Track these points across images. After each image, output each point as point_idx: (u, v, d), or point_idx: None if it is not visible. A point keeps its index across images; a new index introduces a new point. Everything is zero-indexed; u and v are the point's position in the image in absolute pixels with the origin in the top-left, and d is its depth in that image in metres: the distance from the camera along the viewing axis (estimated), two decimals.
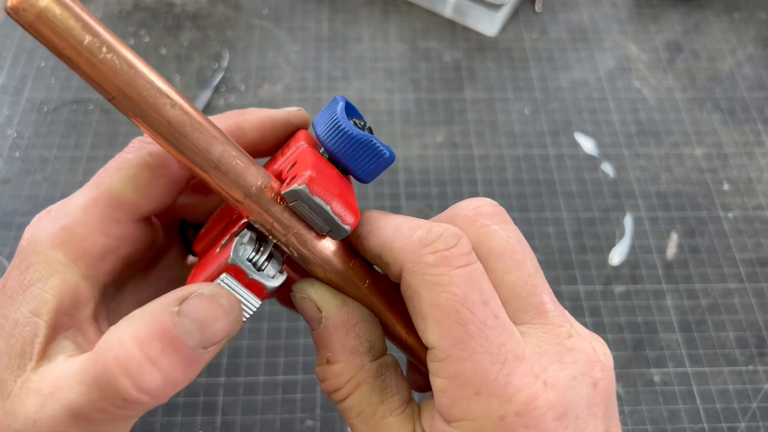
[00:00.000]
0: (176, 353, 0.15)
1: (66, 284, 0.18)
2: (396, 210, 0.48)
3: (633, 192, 0.50)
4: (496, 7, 0.57)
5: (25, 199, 0.48)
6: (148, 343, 0.15)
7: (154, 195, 0.20)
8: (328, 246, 0.20)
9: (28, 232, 0.19)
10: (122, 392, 0.15)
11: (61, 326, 0.18)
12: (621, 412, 0.41)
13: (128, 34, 0.58)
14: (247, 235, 0.19)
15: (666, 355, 0.43)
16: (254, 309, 0.18)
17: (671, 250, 0.48)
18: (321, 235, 0.19)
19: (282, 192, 0.18)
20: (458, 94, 0.56)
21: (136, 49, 0.57)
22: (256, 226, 0.19)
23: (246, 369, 0.41)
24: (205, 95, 0.54)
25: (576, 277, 0.46)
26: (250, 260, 0.18)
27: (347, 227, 0.18)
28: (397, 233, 0.18)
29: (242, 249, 0.18)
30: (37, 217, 0.19)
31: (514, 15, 0.62)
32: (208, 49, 0.58)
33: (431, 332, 0.17)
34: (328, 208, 0.18)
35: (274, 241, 0.19)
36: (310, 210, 0.18)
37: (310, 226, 0.19)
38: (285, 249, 0.19)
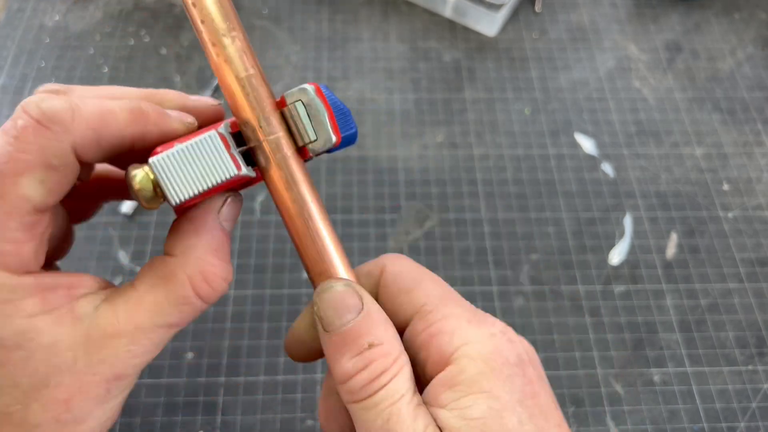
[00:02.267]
0: (228, 245, 0.20)
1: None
2: (396, 209, 0.48)
3: (633, 192, 0.50)
4: (496, 7, 0.57)
5: None
6: (221, 252, 0.20)
7: (62, 191, 0.18)
8: (298, 163, 0.20)
9: None
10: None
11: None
12: (621, 412, 0.41)
13: (128, 35, 0.58)
14: (228, 127, 0.20)
15: (666, 354, 0.43)
16: (229, 175, 0.19)
17: (671, 250, 0.48)
18: (298, 150, 0.20)
19: (287, 93, 0.20)
20: (458, 94, 0.56)
21: (137, 50, 0.57)
22: (241, 126, 0.20)
23: (246, 369, 0.41)
24: (205, 96, 0.54)
25: (576, 277, 0.46)
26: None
27: (334, 137, 0.20)
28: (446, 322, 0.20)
29: (226, 131, 0.19)
30: None
31: (514, 15, 0.62)
32: None
33: None
34: (326, 112, 0.19)
35: (250, 145, 0.20)
36: (305, 113, 0.20)
37: (292, 137, 0.20)
38: (259, 153, 0.20)
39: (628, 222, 0.49)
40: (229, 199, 0.20)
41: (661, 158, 0.52)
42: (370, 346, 0.19)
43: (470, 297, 0.44)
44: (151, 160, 0.18)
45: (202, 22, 0.19)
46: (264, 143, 0.20)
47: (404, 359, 0.19)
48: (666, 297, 0.45)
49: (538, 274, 0.46)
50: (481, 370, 0.18)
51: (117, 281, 0.44)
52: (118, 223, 0.47)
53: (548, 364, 0.41)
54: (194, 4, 0.19)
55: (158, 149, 0.19)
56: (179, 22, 0.60)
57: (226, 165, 0.19)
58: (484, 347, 0.19)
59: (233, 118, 0.20)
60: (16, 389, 0.17)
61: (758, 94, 0.57)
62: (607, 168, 0.52)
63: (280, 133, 0.20)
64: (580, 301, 0.45)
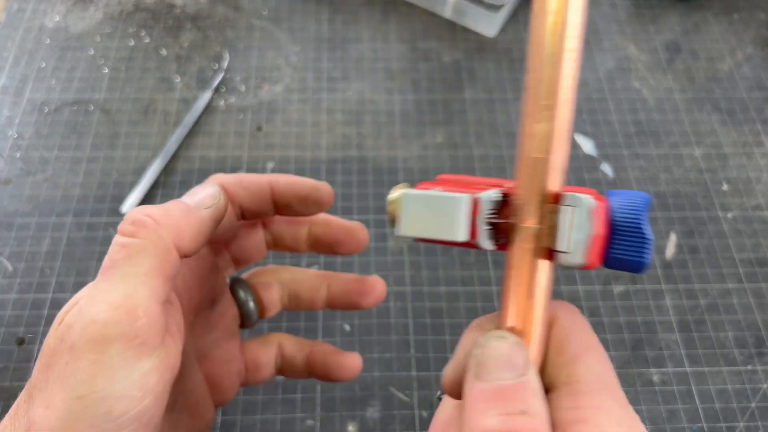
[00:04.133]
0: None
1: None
2: None
3: None
4: (496, 7, 0.57)
5: (25, 199, 0.48)
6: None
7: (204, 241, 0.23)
8: (543, 264, 0.19)
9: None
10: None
11: None
12: None
13: (128, 35, 0.58)
14: (494, 196, 0.19)
15: (665, 355, 0.43)
16: (453, 239, 0.19)
17: (670, 250, 0.48)
18: (549, 252, 0.19)
19: (563, 192, 0.18)
20: (458, 94, 0.56)
21: (137, 50, 0.57)
22: (513, 201, 0.19)
23: None
24: (206, 96, 0.54)
25: (575, 276, 0.46)
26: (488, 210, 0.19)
27: (583, 261, 0.18)
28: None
29: (488, 198, 0.19)
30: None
31: (514, 16, 0.62)
32: (209, 49, 0.58)
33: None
34: (589, 232, 0.18)
35: (506, 220, 0.19)
36: (571, 221, 0.18)
37: (550, 236, 0.19)
38: (511, 232, 0.19)
39: None
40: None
41: (661, 158, 0.52)
42: (523, 413, 0.17)
43: (470, 297, 0.45)
44: (406, 190, 0.20)
45: (529, 88, 0.19)
46: (517, 226, 0.19)
47: None
48: (665, 297, 0.45)
49: None
50: None
51: None
52: (118, 224, 0.47)
53: None
54: (532, 69, 0.19)
55: (426, 184, 0.20)
56: (179, 23, 0.60)
57: (455, 230, 0.19)
58: None
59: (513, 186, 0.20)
60: None
61: (757, 95, 0.57)
62: (607, 168, 0.52)
63: (533, 225, 0.19)
64: (580, 302, 0.45)
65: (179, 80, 0.56)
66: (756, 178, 0.52)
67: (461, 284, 0.45)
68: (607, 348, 0.43)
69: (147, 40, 0.58)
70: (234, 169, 0.50)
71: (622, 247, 0.19)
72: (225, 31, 0.59)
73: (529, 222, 0.19)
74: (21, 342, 0.42)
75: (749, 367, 0.42)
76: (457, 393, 0.19)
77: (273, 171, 0.50)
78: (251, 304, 0.28)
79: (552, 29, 0.18)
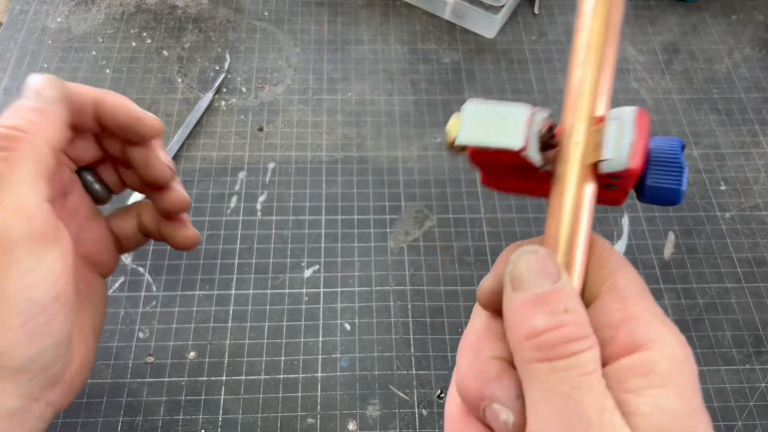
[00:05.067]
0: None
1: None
2: (396, 210, 0.49)
3: (631, 192, 0.51)
4: (495, 9, 0.57)
5: None
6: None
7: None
8: (588, 184, 0.20)
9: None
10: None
11: None
12: None
13: (130, 37, 0.59)
14: (546, 114, 0.20)
15: None
16: (509, 145, 0.19)
17: (668, 250, 0.48)
18: (594, 170, 0.20)
19: (606, 111, 0.20)
20: (457, 95, 0.56)
21: (138, 52, 0.58)
22: (554, 123, 0.21)
23: (247, 368, 0.41)
24: (207, 97, 0.54)
25: None
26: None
27: (629, 164, 0.19)
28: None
29: (540, 116, 0.20)
30: None
31: (513, 17, 0.62)
32: (210, 51, 0.58)
33: None
34: (633, 136, 0.19)
35: (552, 136, 0.20)
36: (617, 131, 0.19)
37: (595, 152, 0.20)
38: (557, 153, 0.20)
39: (625, 222, 0.49)
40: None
41: None
42: (566, 311, 0.18)
43: (470, 297, 0.45)
44: (467, 105, 0.20)
45: (579, 30, 0.21)
46: (564, 141, 0.20)
47: (595, 339, 0.18)
48: (664, 297, 0.46)
49: None
50: (675, 369, 0.18)
51: (118, 281, 0.45)
52: None
53: None
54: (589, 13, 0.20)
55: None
56: (181, 24, 0.60)
57: (514, 136, 0.19)
58: (677, 351, 0.18)
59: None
60: None
61: (755, 95, 0.57)
62: None
63: (581, 140, 0.20)
64: None
65: (181, 81, 0.56)
66: (754, 178, 0.52)
67: (461, 284, 0.46)
68: None
69: (149, 41, 0.59)
70: (236, 170, 0.51)
71: (659, 175, 0.19)
72: (226, 32, 0.60)
73: (576, 137, 0.20)
74: None
75: (747, 366, 0.43)
76: (492, 304, 0.21)
77: (274, 171, 0.51)
78: (96, 186, 0.30)
79: None
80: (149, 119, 0.27)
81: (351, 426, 0.40)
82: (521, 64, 0.59)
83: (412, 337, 0.43)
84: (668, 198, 0.20)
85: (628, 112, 0.19)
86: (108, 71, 0.56)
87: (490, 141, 0.19)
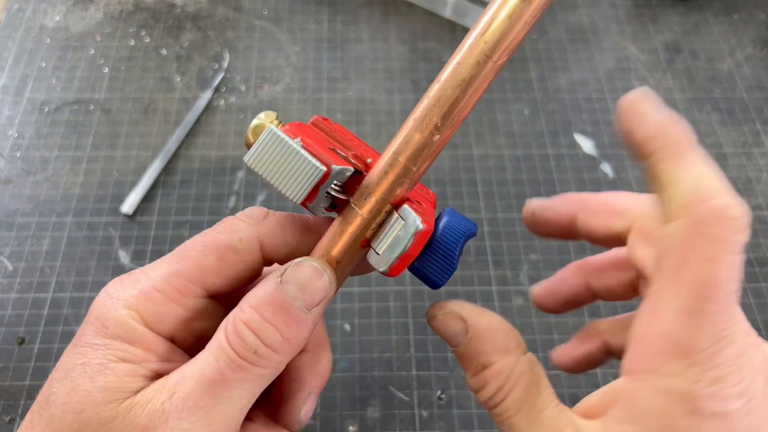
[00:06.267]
0: (285, 313, 0.19)
1: (139, 342, 0.19)
2: None
3: (632, 192, 0.50)
4: None
5: (26, 199, 0.48)
6: (262, 308, 0.19)
7: (233, 278, 0.21)
8: (354, 243, 0.20)
9: (106, 291, 0.20)
10: (253, 345, 0.18)
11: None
12: None
13: (129, 35, 0.58)
14: (347, 173, 0.20)
15: None
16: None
17: None
18: (366, 240, 0.20)
19: (407, 197, 0.20)
20: None
21: (137, 50, 0.58)
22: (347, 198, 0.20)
23: None
24: (206, 96, 0.54)
25: None
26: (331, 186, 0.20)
27: (383, 268, 0.19)
28: None
29: (339, 173, 0.20)
30: (117, 278, 0.21)
31: None
32: (209, 49, 0.58)
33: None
34: (402, 250, 0.19)
35: (341, 196, 0.20)
36: (395, 232, 0.19)
37: (374, 229, 0.20)
38: (343, 209, 0.20)
39: None
40: (295, 261, 0.20)
41: None
42: (483, 367, 0.20)
43: (470, 297, 0.45)
44: (272, 126, 0.19)
45: (429, 97, 0.19)
46: (351, 208, 0.20)
47: (520, 370, 0.20)
48: None
49: (538, 274, 0.46)
50: None
51: None
52: (118, 223, 0.47)
53: (548, 363, 0.41)
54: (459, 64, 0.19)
55: (295, 126, 0.20)
56: (180, 23, 0.60)
57: (297, 192, 0.19)
58: None
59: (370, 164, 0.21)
60: None
61: (757, 95, 0.57)
62: (607, 168, 0.52)
63: (365, 215, 0.20)
64: None
65: (179, 80, 0.56)
66: (755, 178, 0.52)
67: (461, 284, 0.45)
68: None
69: (147, 39, 0.58)
70: (234, 169, 0.50)
71: (429, 262, 0.20)
72: (225, 31, 0.59)
73: (364, 210, 0.20)
74: (21, 342, 0.42)
75: None
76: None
77: None
78: None
79: (478, 57, 0.18)
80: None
81: (351, 427, 0.40)
82: (522, 62, 0.58)
83: (411, 337, 0.43)
84: (428, 283, 0.20)
85: (413, 223, 0.19)
86: (106, 70, 0.56)
87: (274, 180, 0.19)
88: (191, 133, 0.52)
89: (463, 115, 0.19)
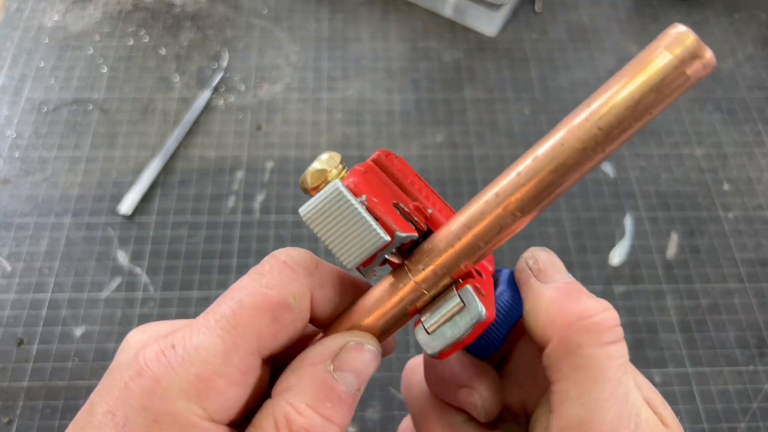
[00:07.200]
0: (343, 404, 0.17)
1: None
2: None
3: (633, 192, 0.50)
4: (496, 7, 0.57)
5: (24, 199, 0.48)
6: (321, 406, 0.17)
7: (287, 340, 0.18)
8: (402, 312, 0.19)
9: (144, 364, 0.16)
10: None
11: None
12: None
13: (128, 35, 0.58)
14: (408, 239, 0.18)
15: (666, 355, 0.43)
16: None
17: (671, 251, 0.48)
18: (414, 310, 0.18)
19: (467, 288, 0.18)
20: (458, 94, 0.56)
21: (136, 50, 0.57)
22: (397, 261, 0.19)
23: None
24: (205, 95, 0.54)
25: (576, 277, 0.46)
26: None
27: (435, 354, 0.17)
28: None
29: (400, 240, 0.18)
30: (152, 344, 0.17)
31: (514, 15, 0.62)
32: (208, 49, 0.58)
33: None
34: (463, 333, 0.17)
35: (397, 261, 0.19)
36: (452, 314, 0.17)
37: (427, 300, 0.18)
38: (399, 272, 0.19)
39: (628, 222, 0.49)
40: (350, 344, 0.18)
41: (662, 158, 0.52)
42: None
43: None
44: (338, 182, 0.17)
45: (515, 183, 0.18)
46: (406, 274, 0.18)
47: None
48: (666, 297, 0.45)
49: None
50: None
51: (116, 281, 0.44)
52: (117, 224, 0.47)
53: None
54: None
55: (360, 174, 0.19)
56: (179, 22, 0.59)
57: (352, 259, 0.17)
58: None
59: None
60: None
61: (758, 94, 0.57)
62: (608, 168, 0.52)
63: (419, 283, 0.18)
64: None
65: (178, 79, 0.55)
66: (757, 177, 0.52)
67: None
68: None
69: (146, 39, 0.58)
70: (234, 169, 0.50)
71: (477, 340, 0.19)
72: (224, 30, 0.59)
73: (418, 278, 0.18)
74: (20, 342, 0.42)
75: (751, 368, 0.42)
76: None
77: (273, 170, 0.50)
78: None
79: (587, 143, 0.17)
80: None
81: (351, 428, 0.39)
82: (522, 62, 0.58)
83: (411, 338, 0.43)
84: (474, 353, 0.20)
85: (476, 311, 0.17)
86: (105, 69, 0.56)
87: (329, 241, 0.17)
88: (190, 132, 0.52)
89: (554, 199, 0.17)
